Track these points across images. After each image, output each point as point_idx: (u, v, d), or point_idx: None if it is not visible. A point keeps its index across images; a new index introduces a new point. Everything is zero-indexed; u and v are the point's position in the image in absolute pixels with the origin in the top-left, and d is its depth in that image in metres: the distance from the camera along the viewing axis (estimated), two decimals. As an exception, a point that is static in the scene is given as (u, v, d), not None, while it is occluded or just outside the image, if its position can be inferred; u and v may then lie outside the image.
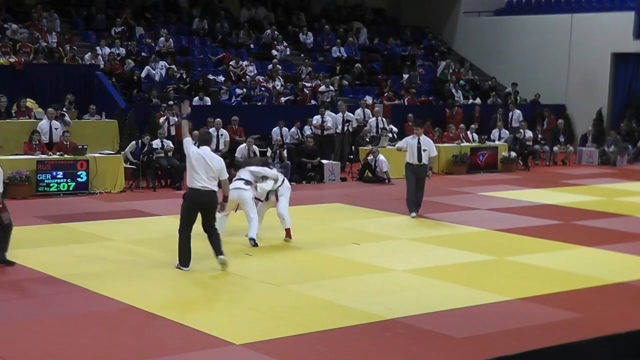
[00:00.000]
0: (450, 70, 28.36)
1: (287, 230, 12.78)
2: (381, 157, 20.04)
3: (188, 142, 10.93)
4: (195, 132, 14.67)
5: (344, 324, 8.73)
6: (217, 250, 10.86)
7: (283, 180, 13.01)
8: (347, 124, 22.58)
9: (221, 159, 11.10)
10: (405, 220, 15.02)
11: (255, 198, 12.68)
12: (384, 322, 8.84)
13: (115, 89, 22.09)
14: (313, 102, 24.55)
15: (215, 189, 10.80)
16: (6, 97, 19.75)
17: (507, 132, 24.73)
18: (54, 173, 16.89)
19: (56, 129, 18.56)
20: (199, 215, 10.89)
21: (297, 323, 8.77)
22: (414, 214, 15.09)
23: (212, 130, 19.72)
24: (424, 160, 15.13)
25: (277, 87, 24.71)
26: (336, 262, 11.56)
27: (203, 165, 10.67)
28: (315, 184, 19.75)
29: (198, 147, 10.89)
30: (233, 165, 19.41)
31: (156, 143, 18.68)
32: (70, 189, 16.97)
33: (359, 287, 10.36)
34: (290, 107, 24.03)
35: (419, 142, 15.10)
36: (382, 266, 11.39)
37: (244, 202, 12.46)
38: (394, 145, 21.74)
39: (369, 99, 25.06)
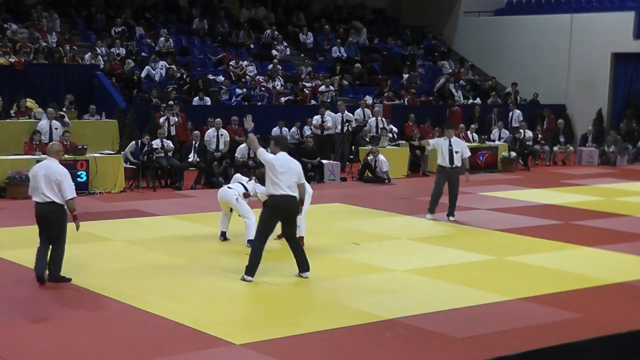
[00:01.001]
0: (449, 85, 28.26)
1: (300, 239, 11.80)
2: (381, 157, 20.04)
3: (262, 152, 10.42)
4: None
5: (344, 324, 8.73)
6: (302, 266, 10.53)
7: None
8: (347, 124, 22.58)
9: (299, 162, 10.79)
10: (405, 221, 15.01)
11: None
12: (384, 322, 8.84)
13: (115, 89, 22.09)
14: (313, 102, 24.56)
15: (297, 195, 10.48)
16: (6, 97, 19.76)
17: (507, 132, 24.73)
18: (54, 173, 16.86)
19: (56, 128, 18.56)
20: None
21: (297, 323, 8.77)
22: (429, 216, 14.87)
23: (212, 130, 19.76)
24: (457, 163, 14.76)
25: (277, 87, 24.72)
26: (336, 262, 11.56)
27: (288, 171, 10.36)
28: (315, 184, 19.70)
29: (275, 153, 10.49)
30: (233, 166, 19.44)
31: (156, 143, 18.68)
32: (70, 189, 16.94)
33: (359, 287, 10.36)
34: (290, 107, 24.03)
35: (450, 144, 14.73)
36: (382, 266, 11.39)
37: (230, 203, 12.44)
38: (394, 145, 21.85)
39: (369, 99, 25.06)
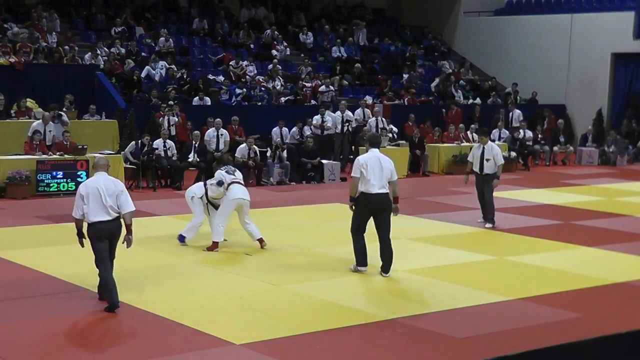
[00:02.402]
0: (447, 83, 28.25)
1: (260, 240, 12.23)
2: (381, 157, 20.01)
3: (355, 160, 10.89)
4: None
5: (344, 324, 8.73)
6: (385, 267, 10.86)
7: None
8: (347, 124, 22.58)
9: (391, 160, 11.06)
10: (405, 221, 15.00)
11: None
12: (384, 322, 8.84)
13: (115, 89, 22.09)
14: (313, 102, 24.55)
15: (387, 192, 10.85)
16: (6, 97, 19.75)
17: (507, 132, 24.73)
18: (54, 173, 16.89)
19: (50, 131, 18.50)
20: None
21: (297, 323, 8.77)
22: (480, 220, 14.60)
23: (212, 130, 19.75)
24: (486, 170, 14.33)
25: (277, 87, 24.71)
26: (336, 262, 11.55)
27: (379, 168, 10.68)
28: (315, 184, 19.75)
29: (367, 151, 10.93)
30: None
31: (157, 143, 18.67)
32: (71, 189, 16.96)
33: (359, 287, 10.36)
34: (290, 107, 24.02)
35: (482, 151, 14.46)
36: (382, 266, 11.37)
37: (186, 200, 12.54)
38: (394, 145, 21.84)
39: (369, 99, 25.06)
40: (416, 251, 12.51)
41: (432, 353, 8.10)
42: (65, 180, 16.97)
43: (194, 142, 19.45)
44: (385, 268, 10.84)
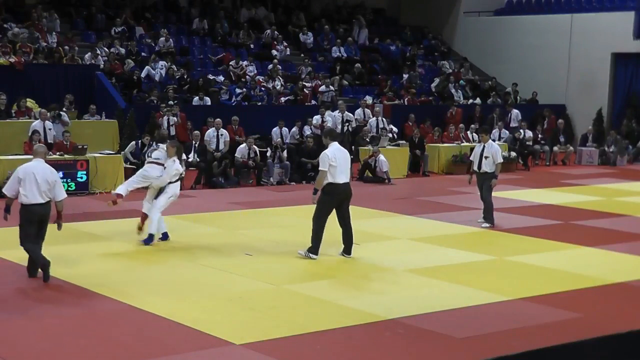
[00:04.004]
0: (450, 85, 28.25)
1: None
2: (381, 157, 20.03)
3: (322, 154, 11.51)
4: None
5: (344, 324, 8.73)
6: (348, 249, 11.71)
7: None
8: (347, 124, 22.58)
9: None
10: (405, 221, 15.01)
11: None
12: (384, 322, 8.84)
13: (115, 89, 22.09)
14: (313, 102, 24.55)
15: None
16: (6, 97, 19.76)
17: (507, 132, 24.73)
18: (54, 173, 16.86)
19: (50, 129, 18.52)
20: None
21: (297, 323, 8.77)
22: (479, 220, 14.59)
23: (212, 130, 19.75)
24: (484, 168, 14.39)
25: (277, 87, 24.71)
26: (336, 262, 11.56)
27: (344, 160, 11.50)
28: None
29: (327, 145, 11.60)
30: (233, 166, 19.45)
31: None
32: (71, 189, 16.95)
33: (359, 287, 10.36)
34: (290, 107, 24.03)
35: (482, 149, 14.51)
36: (382, 266, 11.40)
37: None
38: (394, 145, 21.84)
39: (369, 99, 25.06)
40: (416, 251, 12.51)
41: (432, 353, 8.10)
42: (65, 180, 16.94)
43: (194, 142, 19.44)
44: (349, 250, 11.73)
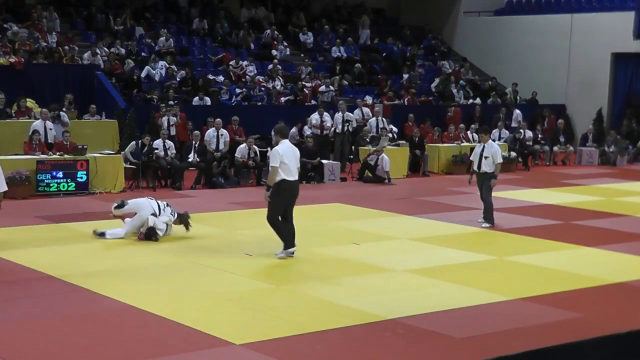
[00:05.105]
0: (450, 85, 28.25)
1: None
2: (384, 156, 20.03)
3: (273, 150, 11.59)
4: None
5: (344, 324, 8.73)
6: (291, 242, 11.68)
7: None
8: (347, 124, 22.58)
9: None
10: (405, 221, 15.01)
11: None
12: (383, 322, 8.84)
13: (115, 89, 22.09)
14: (313, 102, 24.56)
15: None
16: (6, 97, 19.76)
17: (507, 132, 24.73)
18: (54, 173, 16.89)
19: (50, 129, 18.52)
20: None
21: (297, 323, 8.77)
22: (479, 220, 14.57)
23: (212, 130, 19.75)
24: (484, 168, 14.34)
25: (277, 87, 24.71)
26: (336, 262, 11.56)
27: (293, 157, 11.55)
28: (315, 184, 19.75)
29: (278, 142, 11.72)
30: (233, 166, 19.45)
31: (157, 143, 18.66)
32: (71, 189, 16.97)
33: (359, 287, 10.36)
34: (290, 107, 24.03)
35: (482, 149, 14.48)
36: (382, 266, 11.39)
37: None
38: (394, 145, 21.84)
39: (368, 99, 25.06)
40: (416, 251, 12.51)
41: (432, 353, 8.10)
42: (65, 180, 16.96)
43: (194, 142, 19.45)
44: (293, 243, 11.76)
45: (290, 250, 11.60)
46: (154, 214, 12.70)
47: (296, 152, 11.80)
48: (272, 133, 12.08)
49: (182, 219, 12.90)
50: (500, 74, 29.94)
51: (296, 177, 11.60)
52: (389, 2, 33.74)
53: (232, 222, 14.45)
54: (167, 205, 12.99)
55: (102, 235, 12.65)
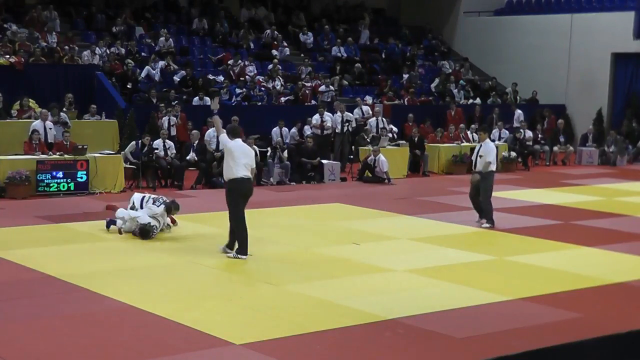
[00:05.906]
0: (450, 85, 28.25)
1: None
2: (381, 157, 20.03)
3: (225, 137, 11.66)
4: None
5: (344, 324, 8.73)
6: (232, 244, 11.59)
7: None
8: (347, 124, 22.58)
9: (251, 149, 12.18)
10: (405, 221, 15.01)
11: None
12: (384, 322, 8.84)
13: (115, 89, 22.08)
14: (313, 102, 24.55)
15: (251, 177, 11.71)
16: (6, 97, 19.74)
17: (507, 132, 24.73)
18: (54, 173, 16.88)
19: (50, 128, 18.52)
20: None
21: (297, 323, 8.77)
22: (477, 220, 14.55)
23: (212, 130, 19.72)
24: (478, 167, 14.37)
25: (277, 87, 24.71)
26: (336, 262, 11.56)
27: (244, 155, 11.49)
28: (315, 184, 19.75)
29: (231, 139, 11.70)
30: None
31: (157, 143, 18.66)
32: (71, 189, 16.96)
33: (359, 287, 10.36)
34: (290, 107, 24.03)
35: (479, 149, 14.52)
36: (382, 266, 11.39)
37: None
38: (394, 145, 21.84)
39: (369, 99, 25.06)
40: (416, 251, 12.51)
41: (432, 353, 8.10)
42: (65, 180, 16.96)
43: (193, 142, 19.44)
44: (234, 247, 11.66)
45: (243, 256, 11.45)
46: (132, 207, 12.94)
47: (251, 152, 11.78)
48: (225, 132, 12.01)
49: (167, 206, 12.85)
50: (500, 74, 29.94)
51: (247, 174, 11.45)
52: (389, 2, 33.74)
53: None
54: (156, 200, 12.95)
55: (111, 223, 13.00)
